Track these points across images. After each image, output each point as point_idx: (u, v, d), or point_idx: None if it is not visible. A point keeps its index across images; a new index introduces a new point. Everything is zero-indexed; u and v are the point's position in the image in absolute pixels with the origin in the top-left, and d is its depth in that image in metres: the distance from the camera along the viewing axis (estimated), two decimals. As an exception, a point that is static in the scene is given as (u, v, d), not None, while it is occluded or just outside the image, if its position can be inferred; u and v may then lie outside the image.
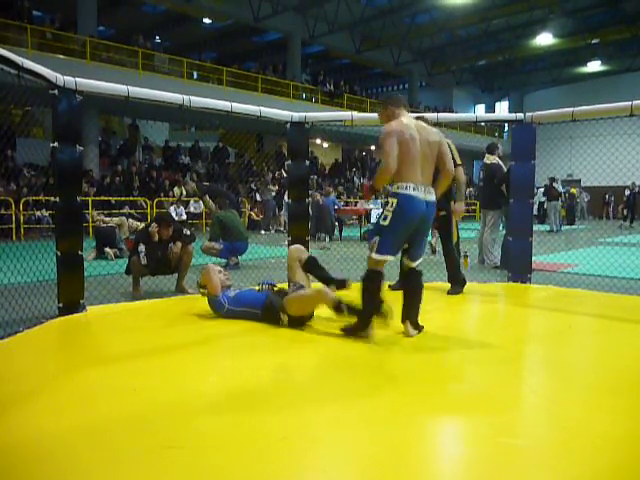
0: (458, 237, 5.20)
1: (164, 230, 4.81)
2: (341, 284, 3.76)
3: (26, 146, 13.37)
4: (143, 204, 13.69)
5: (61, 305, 3.89)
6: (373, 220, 12.76)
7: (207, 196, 7.00)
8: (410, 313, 3.33)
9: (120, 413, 2.15)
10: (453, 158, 4.47)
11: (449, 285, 5.00)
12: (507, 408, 2.26)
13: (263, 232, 14.22)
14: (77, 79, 3.90)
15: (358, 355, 2.98)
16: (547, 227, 13.13)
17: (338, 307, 3.34)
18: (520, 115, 5.36)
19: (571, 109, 4.89)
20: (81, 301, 4.04)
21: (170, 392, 2.40)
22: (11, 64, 3.22)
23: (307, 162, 5.38)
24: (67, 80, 3.83)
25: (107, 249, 7.69)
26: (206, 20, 21.30)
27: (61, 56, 13.43)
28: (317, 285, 3.82)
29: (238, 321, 3.73)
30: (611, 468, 1.77)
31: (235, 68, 18.67)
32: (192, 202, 14.51)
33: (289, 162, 5.31)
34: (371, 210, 13.05)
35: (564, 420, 2.12)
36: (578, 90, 26.15)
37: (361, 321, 3.24)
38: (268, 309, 3.60)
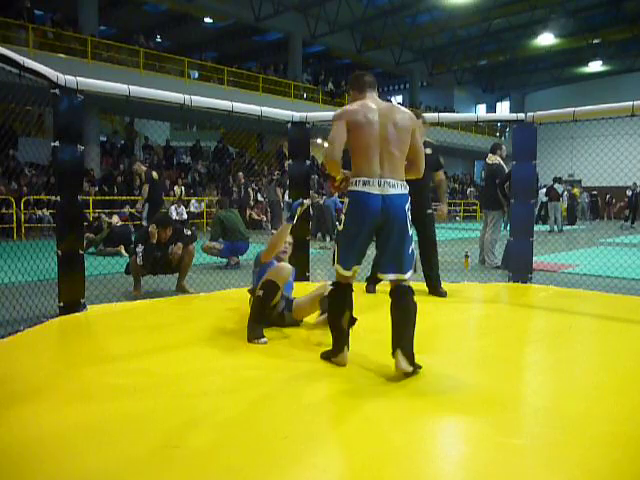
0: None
1: (162, 232, 4.80)
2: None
3: (27, 145, 13.39)
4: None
5: (62, 304, 3.89)
6: None
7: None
8: (399, 341, 2.60)
9: (120, 412, 2.15)
10: (439, 159, 4.51)
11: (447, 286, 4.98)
12: (507, 408, 2.26)
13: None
14: (78, 78, 3.91)
15: (358, 355, 2.97)
16: (547, 227, 13.12)
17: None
18: (521, 115, 5.36)
19: (572, 109, 4.88)
20: (82, 300, 4.04)
21: (170, 391, 2.40)
22: (12, 63, 3.22)
23: (307, 162, 5.38)
24: (68, 79, 3.83)
25: (122, 249, 7.97)
26: (207, 20, 21.33)
27: (62, 55, 13.45)
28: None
29: (238, 320, 3.74)
30: (611, 468, 1.77)
31: (236, 68, 18.69)
32: (193, 201, 14.52)
33: (290, 162, 5.32)
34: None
35: (564, 420, 2.12)
36: (579, 90, 26.15)
37: (332, 346, 2.81)
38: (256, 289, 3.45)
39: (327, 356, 2.83)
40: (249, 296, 3.70)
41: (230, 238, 6.80)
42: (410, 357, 2.58)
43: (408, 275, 2.67)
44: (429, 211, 4.93)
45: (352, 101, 2.80)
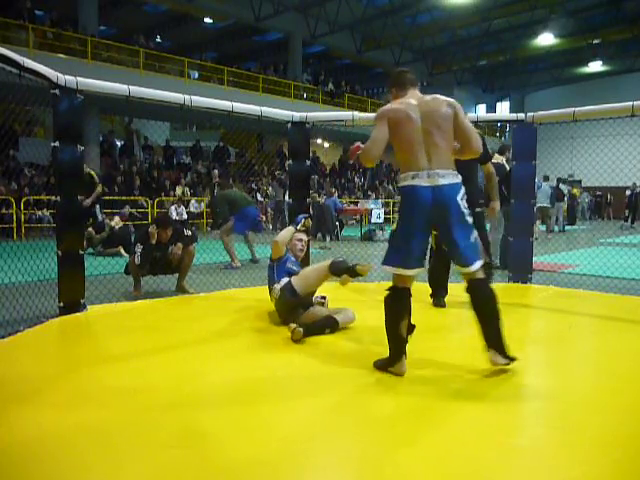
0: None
1: (163, 232, 4.80)
2: (353, 273, 3.41)
3: (27, 145, 13.39)
4: (144, 203, 13.71)
5: (62, 304, 3.89)
6: (374, 220, 12.77)
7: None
8: (489, 337, 2.61)
9: (121, 413, 2.15)
10: (486, 150, 3.97)
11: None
12: (507, 408, 2.26)
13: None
14: (78, 79, 3.91)
15: (357, 355, 2.98)
16: (544, 227, 13.05)
17: (334, 270, 3.32)
18: (521, 115, 5.36)
19: (572, 109, 4.88)
20: (82, 300, 4.04)
21: (170, 392, 2.40)
22: (12, 63, 3.22)
23: (308, 162, 5.38)
24: (68, 80, 3.83)
25: (122, 250, 8.06)
26: (207, 20, 21.31)
27: (62, 56, 13.45)
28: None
29: (238, 320, 3.74)
30: (611, 468, 1.77)
31: (236, 68, 18.69)
32: (193, 201, 14.52)
33: (290, 162, 5.32)
34: (372, 210, 13.06)
35: (564, 420, 2.12)
36: (579, 90, 26.14)
37: (389, 354, 2.64)
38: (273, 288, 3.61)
39: (382, 365, 2.66)
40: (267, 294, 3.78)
41: (236, 209, 6.85)
42: (502, 350, 2.57)
43: (476, 266, 2.59)
44: (477, 209, 4.34)
45: (393, 99, 2.77)
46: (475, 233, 2.63)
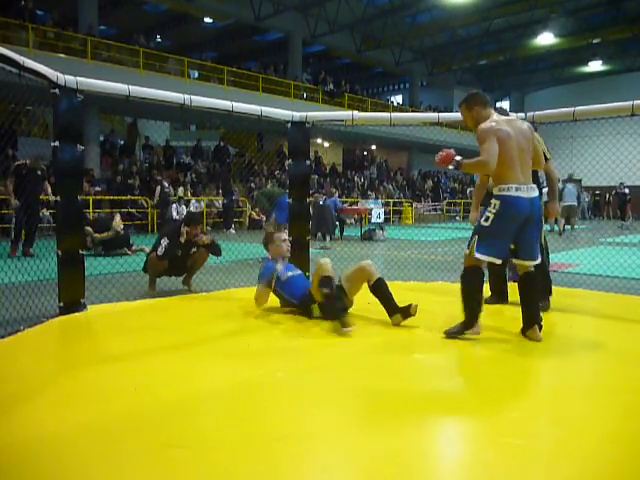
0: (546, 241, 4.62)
1: (194, 229, 4.83)
2: (406, 312, 3.55)
3: (27, 145, 13.37)
4: (144, 203, 13.71)
5: (62, 304, 3.89)
6: (374, 220, 12.76)
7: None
8: (534, 318, 3.26)
9: (121, 412, 2.15)
10: (543, 152, 4.01)
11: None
12: (507, 408, 2.26)
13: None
14: (78, 78, 3.90)
15: (357, 355, 2.98)
16: (547, 227, 13.27)
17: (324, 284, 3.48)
18: (521, 115, 5.34)
19: (572, 109, 4.87)
20: (82, 300, 4.04)
21: (171, 391, 2.40)
22: (12, 63, 3.22)
23: (308, 162, 5.38)
24: (68, 79, 3.83)
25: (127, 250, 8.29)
26: (207, 19, 21.32)
27: (62, 55, 13.45)
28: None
29: (238, 321, 3.74)
30: (611, 467, 1.77)
31: (236, 68, 18.68)
32: (193, 201, 14.51)
33: (289, 161, 5.31)
34: (372, 210, 13.06)
35: (564, 419, 2.12)
36: (579, 90, 26.14)
37: (466, 320, 3.21)
38: (305, 303, 3.72)
39: (456, 331, 3.21)
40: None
41: (274, 202, 7.40)
42: (540, 328, 3.26)
43: (538, 260, 3.27)
44: None
45: (476, 116, 3.24)
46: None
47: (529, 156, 3.17)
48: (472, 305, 3.20)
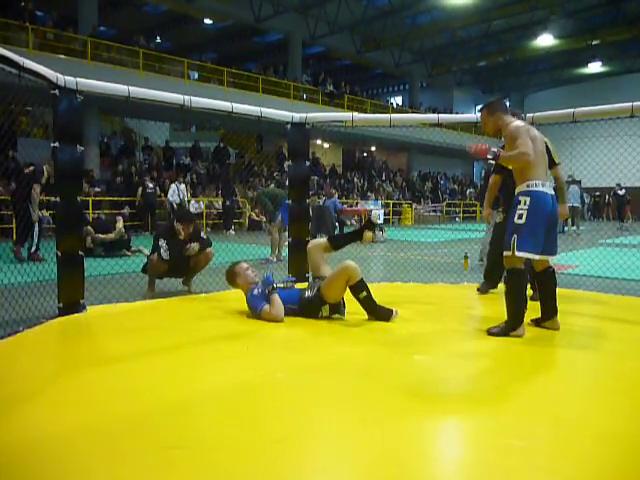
0: None
1: (185, 228, 4.79)
2: (385, 316, 3.65)
3: (27, 146, 13.37)
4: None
5: (61, 305, 3.88)
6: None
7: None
8: (553, 309, 3.44)
9: (120, 413, 2.15)
10: (552, 157, 4.33)
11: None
12: (507, 408, 2.26)
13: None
14: (78, 79, 3.90)
15: (357, 355, 2.98)
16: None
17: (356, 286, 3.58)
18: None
19: (571, 110, 4.88)
20: (81, 301, 4.03)
21: (170, 392, 2.39)
22: (12, 64, 3.22)
23: (307, 163, 5.38)
24: (68, 80, 3.83)
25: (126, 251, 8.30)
26: (207, 20, 21.33)
27: (62, 56, 13.45)
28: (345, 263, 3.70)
29: (238, 321, 3.74)
30: (611, 468, 1.77)
31: (236, 69, 18.69)
32: (192, 202, 14.51)
33: (289, 163, 5.32)
34: (371, 211, 13.06)
35: (564, 420, 2.12)
36: (579, 91, 26.17)
37: (512, 321, 3.28)
38: (307, 305, 3.70)
39: (501, 331, 3.27)
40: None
41: (280, 203, 7.41)
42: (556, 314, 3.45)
43: (555, 257, 3.47)
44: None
45: (493, 122, 3.41)
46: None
47: (545, 157, 3.37)
48: (519, 306, 3.27)
